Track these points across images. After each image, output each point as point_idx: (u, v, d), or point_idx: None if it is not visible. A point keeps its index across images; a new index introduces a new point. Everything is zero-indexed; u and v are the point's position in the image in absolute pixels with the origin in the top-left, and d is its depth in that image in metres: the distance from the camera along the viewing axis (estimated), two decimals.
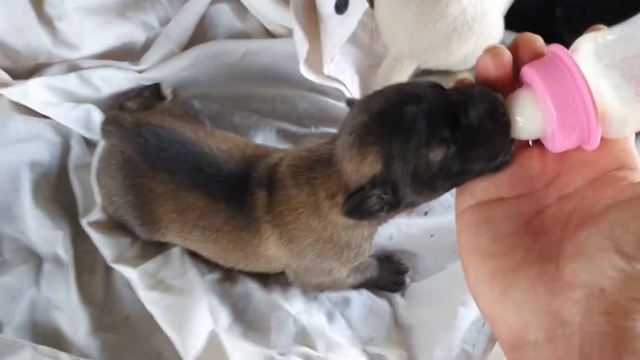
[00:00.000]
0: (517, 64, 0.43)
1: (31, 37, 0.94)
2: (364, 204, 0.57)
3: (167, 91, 0.98)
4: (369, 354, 0.80)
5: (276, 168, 0.74)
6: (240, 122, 1.02)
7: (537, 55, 0.42)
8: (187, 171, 0.79)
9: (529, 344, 0.39)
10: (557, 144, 0.41)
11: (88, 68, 0.95)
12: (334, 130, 0.95)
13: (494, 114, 0.43)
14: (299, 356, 0.78)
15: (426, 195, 0.55)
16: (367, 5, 0.85)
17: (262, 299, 0.84)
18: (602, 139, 0.40)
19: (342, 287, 0.86)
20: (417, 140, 0.49)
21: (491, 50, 0.43)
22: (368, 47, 1.01)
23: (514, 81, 0.44)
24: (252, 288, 0.86)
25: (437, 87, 0.50)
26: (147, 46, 1.00)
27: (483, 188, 0.45)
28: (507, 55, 0.43)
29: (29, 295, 0.84)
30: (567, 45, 0.40)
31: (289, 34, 0.95)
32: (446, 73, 1.01)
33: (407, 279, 0.88)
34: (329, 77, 0.94)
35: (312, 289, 0.87)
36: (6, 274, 0.85)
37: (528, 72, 0.40)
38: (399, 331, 0.83)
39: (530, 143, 0.45)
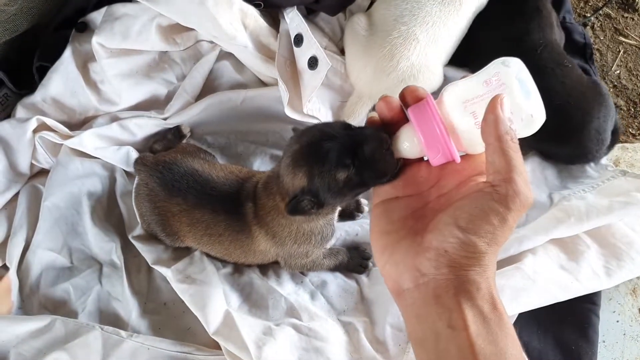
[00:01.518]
0: (407, 105, 0.53)
1: (82, 98, 1.13)
2: (299, 206, 0.71)
3: (186, 130, 1.15)
4: (342, 322, 0.95)
5: (257, 185, 0.89)
6: (243, 151, 1.18)
7: (419, 99, 0.52)
8: (195, 195, 0.93)
9: (405, 290, 0.50)
10: (430, 160, 0.51)
11: (125, 118, 1.12)
12: None
13: (380, 148, 0.56)
14: (289, 325, 0.92)
15: (340, 200, 0.70)
16: (330, 64, 1.02)
17: (262, 285, 0.99)
18: (466, 155, 0.51)
19: (321, 267, 0.99)
20: (328, 165, 0.65)
21: (385, 99, 0.55)
22: (339, 87, 1.18)
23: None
24: (254, 277, 1.01)
25: (347, 127, 0.64)
26: (168, 98, 1.17)
27: (386, 191, 0.57)
28: (396, 102, 0.54)
29: (95, 290, 1.01)
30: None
31: (277, 82, 1.06)
32: None
33: (370, 264, 1.03)
34: (308, 115, 1.07)
35: (299, 270, 1.00)
36: (77, 277, 1.03)
37: (409, 112, 0.52)
38: (364, 304, 0.98)
39: (426, 159, 0.54)
